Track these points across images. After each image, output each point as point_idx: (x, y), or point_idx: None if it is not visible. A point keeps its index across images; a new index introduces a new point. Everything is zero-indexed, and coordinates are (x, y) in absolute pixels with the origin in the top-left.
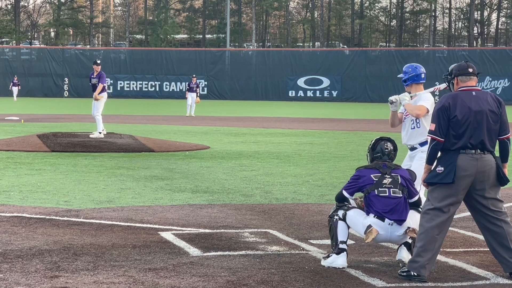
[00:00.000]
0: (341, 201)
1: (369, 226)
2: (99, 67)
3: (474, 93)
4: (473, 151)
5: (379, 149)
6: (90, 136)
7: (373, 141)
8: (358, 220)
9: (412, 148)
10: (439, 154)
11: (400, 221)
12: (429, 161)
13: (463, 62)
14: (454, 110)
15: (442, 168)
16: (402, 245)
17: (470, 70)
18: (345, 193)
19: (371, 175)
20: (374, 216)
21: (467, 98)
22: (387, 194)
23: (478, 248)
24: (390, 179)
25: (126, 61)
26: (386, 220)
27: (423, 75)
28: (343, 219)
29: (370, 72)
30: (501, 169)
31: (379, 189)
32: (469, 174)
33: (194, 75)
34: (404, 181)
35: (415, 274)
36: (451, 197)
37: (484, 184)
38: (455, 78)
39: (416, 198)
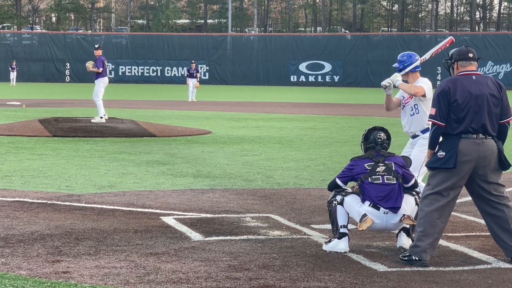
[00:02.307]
0: (333, 189)
1: (364, 215)
2: (98, 51)
3: (474, 77)
4: (475, 135)
5: (372, 139)
6: (92, 121)
7: (366, 131)
8: (354, 208)
9: (414, 136)
10: (440, 139)
11: (395, 208)
12: (432, 146)
13: (463, 46)
14: (454, 94)
15: (444, 153)
16: (401, 231)
17: (470, 55)
18: (338, 181)
19: (365, 164)
20: (369, 205)
21: (467, 82)
22: (381, 181)
23: (479, 233)
24: (383, 167)
25: (128, 46)
26: (381, 209)
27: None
28: (341, 204)
29: (372, 57)
30: (502, 153)
31: (373, 176)
32: (470, 159)
33: (193, 61)
34: (398, 168)
35: (416, 258)
36: (451, 181)
37: (486, 169)
38: (455, 63)
39: (412, 181)
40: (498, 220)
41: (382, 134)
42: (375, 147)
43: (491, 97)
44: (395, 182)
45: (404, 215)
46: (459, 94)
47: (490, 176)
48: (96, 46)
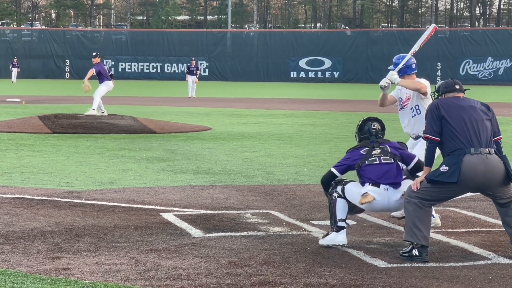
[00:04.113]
0: (327, 182)
1: (365, 193)
2: (96, 59)
3: (461, 97)
4: (479, 150)
5: (367, 129)
6: (85, 114)
7: (360, 122)
8: (355, 192)
9: (417, 137)
10: (448, 155)
11: (395, 184)
12: (428, 162)
13: (449, 79)
14: (444, 109)
15: (447, 168)
16: None
17: (457, 86)
18: (334, 171)
19: (360, 151)
20: (369, 184)
21: (455, 100)
22: (378, 161)
23: (479, 229)
24: (379, 150)
25: (128, 43)
26: (381, 185)
27: (414, 65)
28: (342, 194)
29: (372, 53)
30: (509, 168)
31: (369, 159)
32: (476, 174)
33: (193, 58)
34: (394, 150)
35: (417, 254)
36: (446, 195)
37: (493, 184)
38: (443, 95)
39: (414, 162)
40: (509, 213)
41: (377, 125)
42: (370, 137)
43: (482, 112)
44: (393, 161)
45: (405, 192)
46: (449, 108)
47: (499, 190)
48: (94, 54)
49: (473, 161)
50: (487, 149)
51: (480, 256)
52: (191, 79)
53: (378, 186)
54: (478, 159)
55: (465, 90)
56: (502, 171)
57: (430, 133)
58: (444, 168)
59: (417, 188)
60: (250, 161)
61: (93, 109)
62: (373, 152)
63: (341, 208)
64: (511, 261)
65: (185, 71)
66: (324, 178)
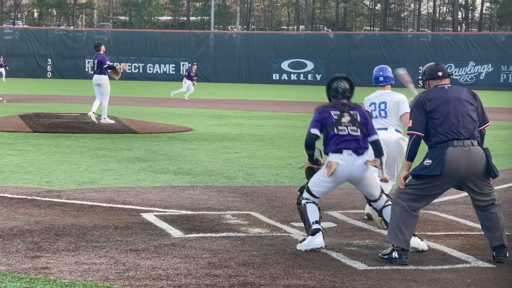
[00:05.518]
0: (310, 144)
1: (329, 162)
2: (103, 47)
3: (447, 87)
4: (462, 142)
5: (334, 88)
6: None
7: (329, 80)
8: (318, 174)
9: None
10: (431, 148)
11: (358, 150)
12: (410, 157)
13: (433, 64)
14: (430, 102)
15: (430, 161)
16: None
17: (440, 73)
18: (313, 130)
19: (331, 112)
20: (332, 152)
21: (441, 91)
22: (346, 132)
23: (459, 232)
24: (349, 117)
25: (110, 43)
26: (344, 151)
27: (381, 78)
28: (308, 190)
29: (354, 56)
30: (490, 161)
31: (339, 127)
32: (459, 167)
33: (195, 63)
34: (363, 119)
35: (396, 256)
36: (431, 192)
37: (475, 176)
38: (427, 81)
39: (375, 137)
40: (489, 217)
41: (344, 83)
42: (337, 95)
43: (468, 103)
44: (359, 133)
45: (368, 160)
46: (435, 102)
47: (480, 183)
48: (99, 42)
49: (456, 153)
50: (470, 141)
51: (459, 260)
52: (189, 82)
53: (341, 153)
54: (461, 151)
55: (450, 75)
56: (484, 163)
57: (416, 130)
58: (428, 161)
59: (403, 185)
60: (231, 162)
61: (104, 118)
62: (343, 120)
63: (311, 212)
64: (489, 265)
65: (184, 74)
66: (307, 141)
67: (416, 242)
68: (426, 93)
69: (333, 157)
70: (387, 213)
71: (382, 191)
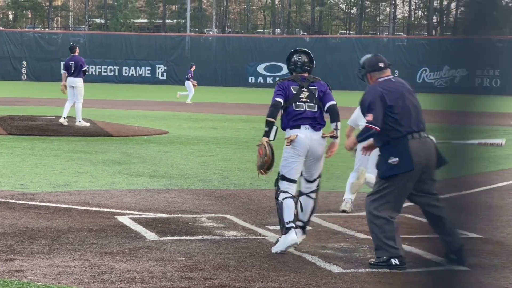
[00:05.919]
0: (274, 112)
1: (289, 136)
2: (73, 50)
3: (393, 79)
4: (418, 134)
5: (293, 61)
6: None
7: (289, 53)
8: (282, 158)
9: None
10: (389, 144)
11: (315, 126)
12: (361, 139)
13: (372, 56)
14: (390, 98)
15: (397, 159)
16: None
17: (381, 64)
18: (277, 98)
19: (291, 87)
20: (290, 129)
21: (392, 84)
22: (303, 109)
23: (433, 235)
24: (307, 93)
25: (85, 45)
26: (302, 126)
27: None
28: (282, 178)
29: (330, 59)
30: (438, 149)
31: (297, 103)
32: (421, 160)
33: (193, 64)
34: (321, 92)
35: (397, 263)
36: (405, 190)
37: (431, 168)
38: (368, 74)
39: (332, 103)
40: (440, 219)
41: (303, 56)
42: (295, 69)
43: (414, 94)
44: (316, 109)
45: (324, 134)
46: (393, 96)
47: (433, 172)
48: (74, 44)
49: (416, 146)
50: (424, 133)
51: (433, 262)
52: (191, 84)
53: (299, 128)
54: (419, 143)
55: (389, 64)
56: (435, 152)
57: (376, 124)
58: (394, 160)
59: (350, 148)
60: (206, 165)
61: (79, 121)
62: (301, 95)
63: (287, 210)
64: (464, 268)
65: (187, 77)
66: (271, 108)
67: (369, 176)
68: (381, 87)
69: (291, 132)
70: (307, 201)
71: (320, 177)
